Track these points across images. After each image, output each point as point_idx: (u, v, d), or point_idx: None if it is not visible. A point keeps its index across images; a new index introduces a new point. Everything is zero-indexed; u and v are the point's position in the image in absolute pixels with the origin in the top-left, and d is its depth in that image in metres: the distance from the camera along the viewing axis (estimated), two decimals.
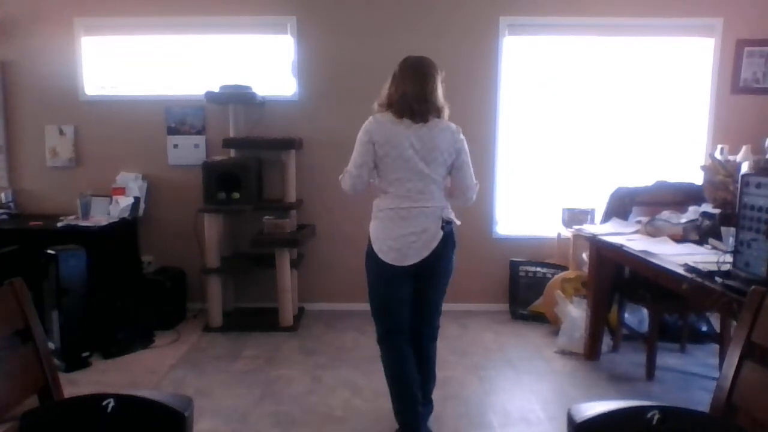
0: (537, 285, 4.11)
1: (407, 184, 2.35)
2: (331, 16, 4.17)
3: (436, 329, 2.60)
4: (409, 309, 2.46)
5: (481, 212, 4.33)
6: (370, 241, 2.43)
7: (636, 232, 3.19)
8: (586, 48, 4.23)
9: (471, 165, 2.46)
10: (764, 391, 1.34)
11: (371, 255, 2.41)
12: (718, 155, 3.55)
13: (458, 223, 2.49)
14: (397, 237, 2.35)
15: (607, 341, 3.52)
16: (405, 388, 2.44)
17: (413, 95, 2.35)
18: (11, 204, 4.25)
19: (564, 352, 3.53)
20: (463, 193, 2.48)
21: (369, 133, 2.37)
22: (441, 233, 2.38)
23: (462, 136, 2.43)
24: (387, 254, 2.36)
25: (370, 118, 2.42)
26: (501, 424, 2.69)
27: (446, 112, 2.44)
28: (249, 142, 4.06)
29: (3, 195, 4.24)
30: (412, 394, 2.43)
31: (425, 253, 2.36)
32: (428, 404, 2.63)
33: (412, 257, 2.35)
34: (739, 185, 2.13)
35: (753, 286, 1.45)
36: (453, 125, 2.43)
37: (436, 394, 2.97)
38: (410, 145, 2.33)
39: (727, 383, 1.41)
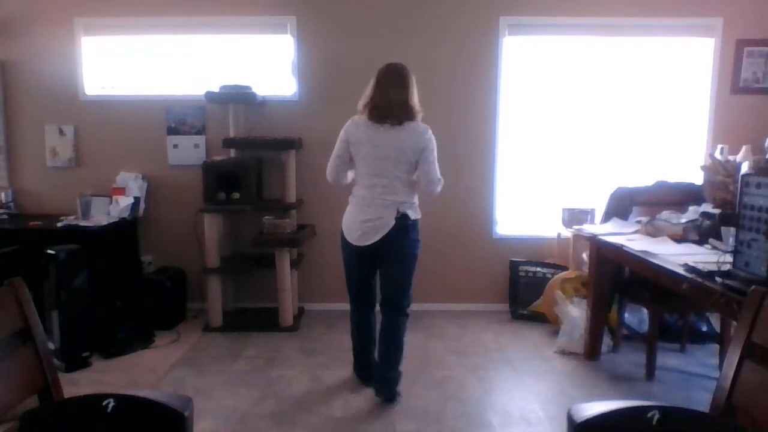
0: (537, 285, 4.11)
1: (374, 179, 2.76)
2: (331, 16, 4.17)
3: (402, 306, 2.92)
4: (369, 284, 2.99)
5: (481, 212, 4.34)
6: (342, 224, 2.88)
7: (636, 232, 3.19)
8: (586, 48, 4.23)
9: (436, 162, 2.80)
10: (764, 391, 1.34)
11: (341, 234, 2.88)
12: (718, 155, 3.55)
13: (415, 218, 2.84)
14: (359, 221, 2.78)
15: (607, 341, 3.52)
16: (359, 342, 3.10)
17: (397, 101, 2.71)
18: (11, 204, 4.25)
19: (564, 352, 3.53)
20: (426, 185, 2.83)
21: (346, 133, 2.81)
22: (393, 222, 2.74)
23: (429, 135, 2.78)
24: (350, 234, 2.83)
25: (350, 119, 2.82)
26: (501, 424, 2.69)
27: (420, 115, 2.80)
28: (249, 142, 4.06)
29: (3, 195, 4.24)
30: (363, 348, 3.09)
31: (377, 237, 2.75)
32: (393, 372, 2.92)
33: (368, 239, 2.77)
34: (739, 185, 2.13)
35: (753, 286, 1.45)
36: (421, 126, 2.78)
37: (436, 394, 2.98)
38: (380, 146, 2.73)
39: (727, 383, 1.41)
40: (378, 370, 2.95)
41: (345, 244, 2.88)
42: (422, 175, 2.79)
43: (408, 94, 2.75)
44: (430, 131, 2.77)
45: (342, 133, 2.82)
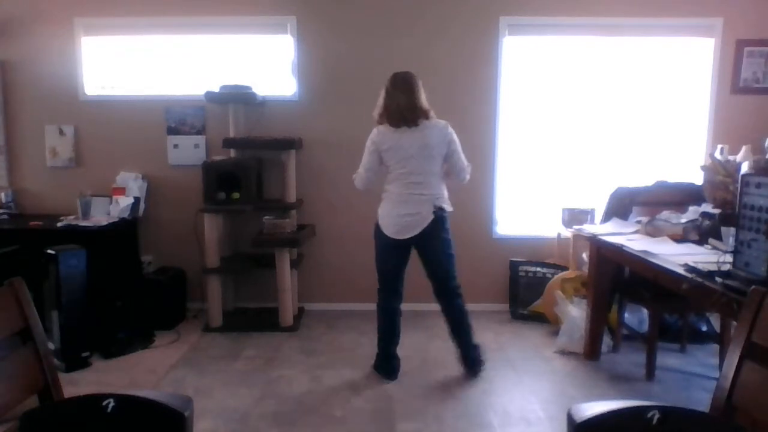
0: (537, 285, 4.11)
1: (410, 178, 2.99)
2: (331, 16, 4.17)
3: (456, 287, 3.17)
4: (400, 275, 3.17)
5: (481, 212, 4.34)
6: (378, 217, 3.07)
7: (636, 232, 3.19)
8: (586, 48, 4.23)
9: (461, 150, 3.07)
10: (764, 391, 1.34)
11: (377, 228, 3.07)
12: (718, 155, 3.55)
13: (449, 210, 3.09)
14: (397, 215, 3.00)
15: (607, 341, 3.51)
16: (386, 332, 3.20)
17: (405, 106, 2.95)
18: (11, 204, 4.25)
19: (564, 352, 3.53)
20: (457, 174, 3.12)
21: (375, 143, 3.02)
22: (432, 216, 2.99)
23: (450, 130, 3.05)
24: (388, 228, 3.02)
25: (375, 129, 3.05)
26: (501, 424, 2.69)
27: (431, 113, 3.03)
28: (249, 142, 4.06)
29: (3, 195, 4.24)
30: (390, 338, 3.21)
31: (417, 231, 2.99)
32: (475, 349, 3.20)
33: (407, 233, 3.00)
34: (739, 185, 2.13)
35: (753, 286, 1.45)
36: (441, 122, 3.04)
37: (437, 394, 2.99)
38: (409, 146, 2.96)
39: (727, 383, 1.41)
40: (462, 349, 3.18)
41: (381, 236, 3.06)
42: (452, 166, 3.08)
43: (415, 98, 2.97)
44: (449, 125, 3.05)
45: (369, 144, 3.03)
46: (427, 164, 2.98)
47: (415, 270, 4.37)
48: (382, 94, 3.02)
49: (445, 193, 3.11)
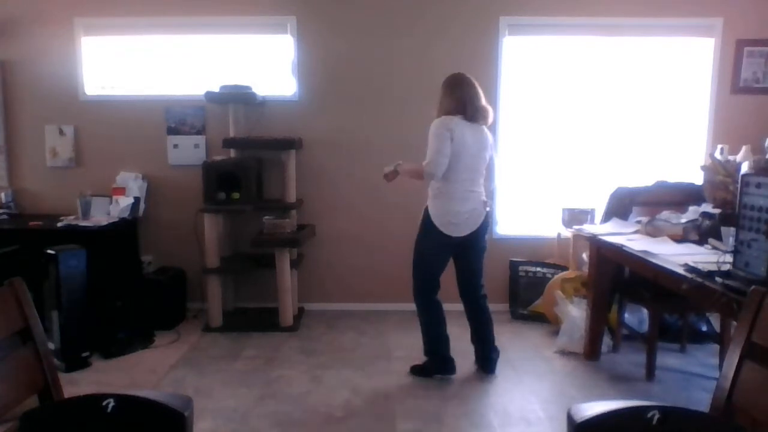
0: (537, 285, 4.11)
1: (471, 174, 3.04)
2: (331, 16, 4.17)
3: (483, 287, 3.29)
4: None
5: None
6: (430, 215, 3.03)
7: (636, 232, 3.19)
8: (586, 48, 4.23)
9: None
10: (764, 391, 1.34)
11: (432, 226, 3.01)
12: (718, 155, 3.55)
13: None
14: (458, 212, 3.00)
15: (607, 341, 3.52)
16: (443, 330, 3.22)
17: (479, 103, 3.03)
18: (11, 204, 4.25)
19: (564, 352, 3.53)
20: (492, 180, 3.36)
21: (450, 131, 2.95)
22: (485, 212, 3.08)
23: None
24: (447, 227, 3.00)
25: (444, 117, 3.02)
26: (501, 424, 2.69)
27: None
28: (249, 142, 4.06)
29: (3, 195, 4.24)
30: (446, 335, 3.23)
31: (474, 227, 3.04)
32: (496, 349, 3.27)
33: (466, 230, 3.03)
34: (739, 185, 2.13)
35: (753, 286, 1.45)
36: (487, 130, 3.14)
37: (436, 394, 2.99)
38: (473, 144, 3.01)
39: (727, 383, 1.41)
40: (484, 351, 3.25)
41: (438, 234, 3.00)
42: (490, 171, 3.23)
43: (483, 98, 3.05)
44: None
45: (444, 131, 2.94)
46: (482, 164, 3.06)
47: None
48: (448, 91, 3.03)
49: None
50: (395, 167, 3.25)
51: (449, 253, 3.11)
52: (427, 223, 3.04)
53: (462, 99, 2.98)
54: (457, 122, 2.95)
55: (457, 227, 3.00)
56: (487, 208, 3.09)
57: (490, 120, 3.09)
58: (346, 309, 4.31)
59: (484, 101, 3.04)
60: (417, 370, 3.23)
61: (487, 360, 3.25)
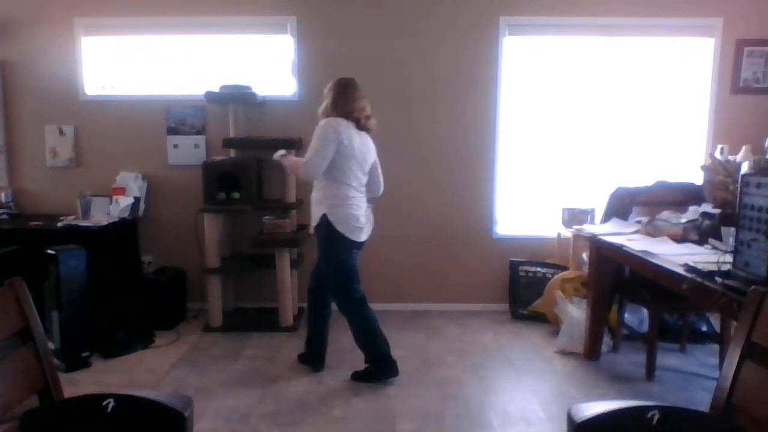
0: (537, 285, 4.11)
1: (362, 180, 3.10)
2: (331, 16, 4.17)
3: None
4: None
5: (481, 212, 4.34)
6: (333, 224, 2.96)
7: (636, 232, 3.19)
8: (586, 48, 4.23)
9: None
10: (764, 391, 1.34)
11: (339, 235, 2.96)
12: (718, 155, 3.55)
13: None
14: (362, 218, 3.04)
15: (607, 341, 3.52)
16: (378, 327, 3.14)
17: (367, 112, 3.08)
18: (11, 204, 4.25)
19: (564, 352, 3.53)
20: (379, 188, 3.29)
21: (339, 134, 2.94)
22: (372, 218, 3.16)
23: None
24: (353, 232, 2.99)
25: (336, 119, 2.98)
26: (501, 424, 2.69)
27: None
28: (249, 142, 4.06)
29: (3, 195, 4.24)
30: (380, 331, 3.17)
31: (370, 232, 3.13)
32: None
33: (366, 234, 3.11)
34: (739, 185, 2.13)
35: (753, 286, 1.45)
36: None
37: (436, 394, 2.99)
38: (366, 151, 3.08)
39: (727, 383, 1.41)
40: (387, 352, 3.14)
41: (347, 242, 2.98)
42: (377, 177, 3.24)
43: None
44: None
45: (332, 132, 2.93)
46: (367, 170, 3.09)
47: (414, 270, 4.39)
48: (343, 94, 3.01)
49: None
50: (281, 158, 3.28)
51: (356, 257, 3.09)
52: (330, 234, 2.97)
53: (357, 106, 3.00)
54: (346, 126, 2.95)
55: (361, 231, 3.02)
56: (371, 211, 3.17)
57: (374, 129, 3.13)
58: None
59: (369, 109, 3.08)
60: (359, 377, 3.14)
61: (390, 359, 3.15)
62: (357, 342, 3.14)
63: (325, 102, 3.06)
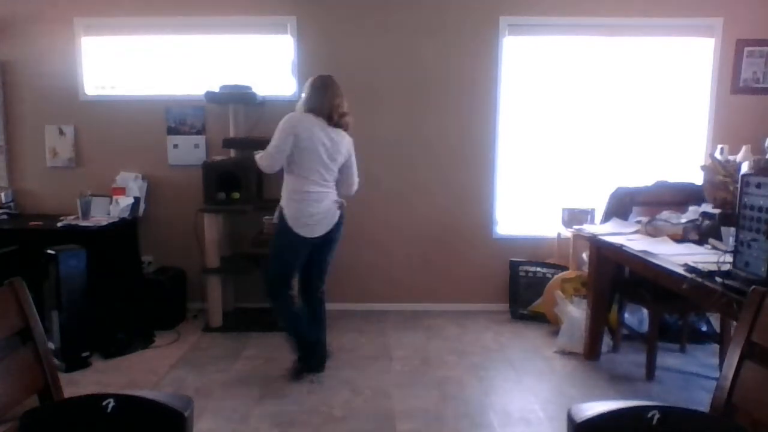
0: (537, 285, 4.11)
1: (324, 176, 3.06)
2: (331, 16, 4.17)
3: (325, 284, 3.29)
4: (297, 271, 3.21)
5: (481, 212, 4.34)
6: (285, 217, 3.01)
7: (636, 232, 3.19)
8: (586, 48, 4.23)
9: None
10: (764, 391, 1.34)
11: (288, 227, 2.99)
12: (718, 155, 3.54)
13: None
14: (312, 214, 3.02)
15: (607, 341, 3.51)
16: (300, 320, 3.21)
17: (340, 108, 3.09)
18: (11, 204, 4.25)
19: (564, 352, 3.53)
20: (350, 186, 3.24)
21: (294, 127, 3.00)
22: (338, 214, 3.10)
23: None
24: (302, 228, 3.00)
25: (298, 114, 3.04)
26: (501, 424, 2.69)
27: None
28: (249, 142, 4.06)
29: (3, 195, 4.24)
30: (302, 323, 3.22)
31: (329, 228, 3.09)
32: (325, 345, 3.33)
33: (321, 231, 3.06)
34: (739, 185, 2.13)
35: (753, 286, 1.45)
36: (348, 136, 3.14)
37: (436, 394, 2.99)
38: (332, 146, 3.03)
39: (727, 383, 1.41)
40: (317, 349, 3.23)
41: (295, 238, 3.01)
42: (348, 177, 3.21)
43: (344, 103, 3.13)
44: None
45: (289, 127, 2.98)
46: (336, 167, 3.06)
47: (414, 270, 4.39)
48: (318, 91, 3.04)
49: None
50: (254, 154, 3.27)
51: (306, 252, 3.09)
52: (282, 225, 3.04)
53: (330, 103, 3.01)
54: (311, 122, 2.97)
55: (312, 229, 3.01)
56: (340, 210, 3.11)
57: (351, 127, 3.11)
58: (346, 309, 4.31)
59: (346, 107, 3.09)
60: (292, 374, 3.19)
61: (320, 358, 3.24)
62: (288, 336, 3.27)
63: (302, 98, 3.10)
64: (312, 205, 2.99)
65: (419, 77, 4.21)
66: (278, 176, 4.17)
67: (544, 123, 4.30)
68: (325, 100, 3.01)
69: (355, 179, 3.20)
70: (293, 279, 3.19)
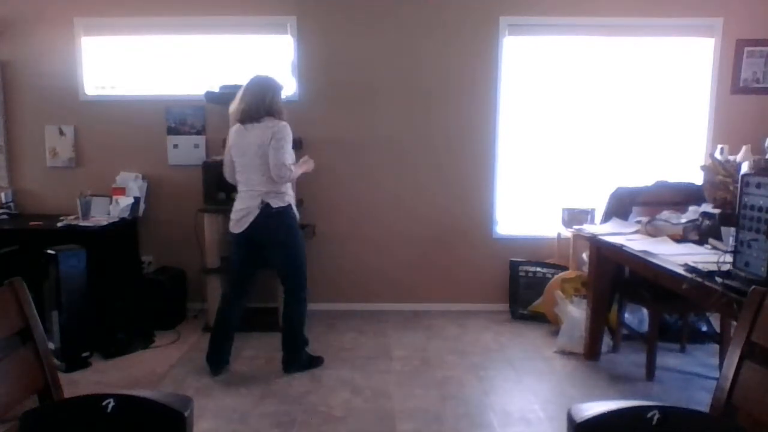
0: (537, 285, 4.11)
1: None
2: (331, 16, 4.17)
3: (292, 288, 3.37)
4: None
5: (481, 212, 4.34)
6: (295, 213, 3.17)
7: (636, 232, 3.19)
8: (586, 48, 4.23)
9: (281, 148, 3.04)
10: (764, 391, 1.34)
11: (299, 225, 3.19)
12: (718, 155, 3.54)
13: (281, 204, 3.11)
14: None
15: (607, 341, 3.51)
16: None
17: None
18: (11, 204, 4.25)
19: (564, 352, 3.53)
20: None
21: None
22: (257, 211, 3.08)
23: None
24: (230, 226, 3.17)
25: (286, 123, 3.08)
26: (501, 424, 2.69)
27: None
28: None
29: (3, 195, 4.24)
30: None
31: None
32: (291, 351, 3.35)
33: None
34: (739, 185, 2.13)
35: (753, 286, 1.45)
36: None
37: (436, 394, 2.99)
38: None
39: (727, 383, 1.41)
40: (213, 351, 3.30)
41: (229, 235, 3.23)
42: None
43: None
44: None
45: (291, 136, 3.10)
46: (258, 163, 3.04)
47: (414, 270, 4.39)
48: (279, 95, 3.16)
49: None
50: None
51: (243, 250, 3.19)
52: (296, 224, 3.24)
53: (236, 108, 3.12)
54: (233, 130, 3.12)
55: (234, 224, 3.14)
56: (272, 204, 3.05)
57: (260, 114, 3.04)
58: (346, 309, 4.31)
59: (249, 100, 3.07)
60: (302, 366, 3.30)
61: (283, 360, 3.30)
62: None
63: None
64: (237, 204, 3.16)
65: (419, 77, 4.21)
66: None
67: (544, 123, 4.30)
68: (238, 104, 3.16)
69: (273, 162, 3.00)
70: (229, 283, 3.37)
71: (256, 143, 3.02)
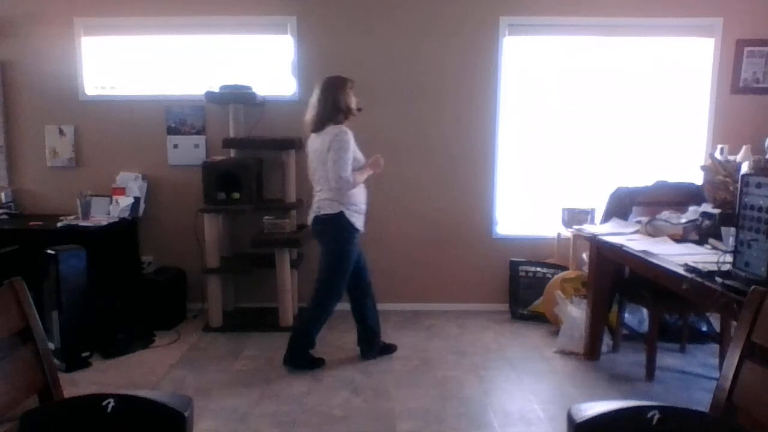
0: (537, 285, 4.11)
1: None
2: (331, 16, 4.17)
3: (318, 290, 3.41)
4: None
5: (481, 212, 4.34)
6: (351, 222, 3.17)
7: (636, 232, 3.19)
8: (586, 48, 4.23)
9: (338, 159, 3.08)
10: (764, 391, 1.34)
11: (352, 227, 3.18)
12: (718, 155, 3.54)
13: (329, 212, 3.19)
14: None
15: (607, 341, 3.52)
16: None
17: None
18: (11, 204, 4.25)
19: (564, 352, 3.53)
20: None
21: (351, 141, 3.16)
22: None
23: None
24: (360, 222, 3.24)
25: (345, 128, 3.15)
26: (501, 424, 2.69)
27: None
28: (249, 142, 4.06)
29: (3, 195, 4.24)
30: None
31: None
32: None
33: None
34: (739, 185, 2.13)
35: (753, 286, 1.45)
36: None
37: (436, 394, 2.99)
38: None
39: (727, 383, 1.41)
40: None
41: (355, 234, 3.23)
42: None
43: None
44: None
45: (351, 143, 3.13)
46: (321, 169, 3.16)
47: (414, 270, 4.39)
48: (338, 94, 3.20)
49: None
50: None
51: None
52: (349, 224, 3.26)
53: (307, 118, 3.24)
54: (309, 139, 3.28)
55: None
56: (321, 211, 3.17)
57: (323, 124, 3.16)
58: (346, 309, 4.30)
59: (314, 111, 3.20)
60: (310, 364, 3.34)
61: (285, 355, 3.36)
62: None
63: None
64: (313, 204, 3.31)
65: (419, 77, 4.21)
66: (278, 177, 4.20)
67: (544, 123, 4.30)
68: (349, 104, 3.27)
69: (331, 174, 3.09)
70: None
71: (318, 150, 3.15)
